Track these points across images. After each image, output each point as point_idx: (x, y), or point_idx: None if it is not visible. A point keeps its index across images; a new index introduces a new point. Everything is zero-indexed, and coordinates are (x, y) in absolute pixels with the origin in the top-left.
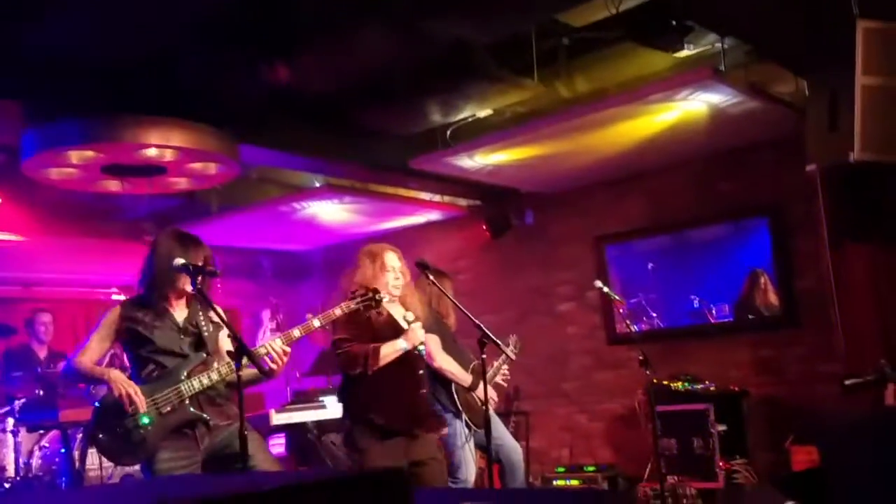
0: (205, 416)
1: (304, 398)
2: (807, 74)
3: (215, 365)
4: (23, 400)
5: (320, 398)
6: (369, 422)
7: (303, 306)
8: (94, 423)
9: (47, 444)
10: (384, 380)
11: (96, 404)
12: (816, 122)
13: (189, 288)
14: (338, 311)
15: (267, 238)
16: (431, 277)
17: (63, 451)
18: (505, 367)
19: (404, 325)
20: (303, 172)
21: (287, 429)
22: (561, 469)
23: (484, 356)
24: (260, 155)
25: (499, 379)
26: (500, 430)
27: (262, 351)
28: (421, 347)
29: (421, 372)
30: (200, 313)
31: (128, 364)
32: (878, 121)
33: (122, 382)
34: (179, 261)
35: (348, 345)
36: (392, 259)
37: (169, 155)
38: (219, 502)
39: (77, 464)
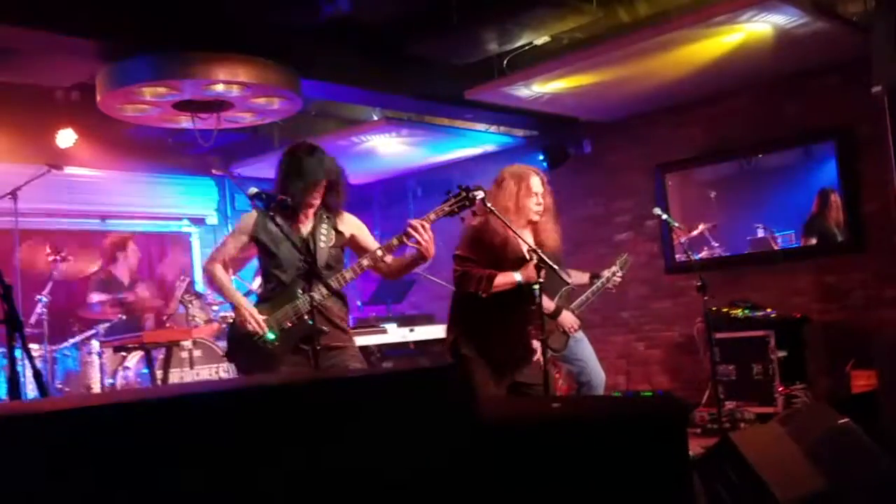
0: (324, 328)
1: (366, 324)
2: None
3: (338, 274)
4: (107, 324)
5: (382, 325)
6: (472, 332)
7: None
8: (229, 342)
9: (130, 366)
10: (493, 306)
11: (229, 324)
12: (882, 41)
13: (315, 201)
14: (432, 216)
15: None
16: (490, 205)
17: (146, 370)
18: (613, 280)
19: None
20: (361, 106)
21: None
22: (617, 394)
23: (541, 280)
24: (319, 89)
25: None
26: (586, 353)
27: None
28: (535, 286)
29: (532, 307)
30: (324, 224)
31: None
32: None
33: (243, 310)
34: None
35: (469, 265)
36: (536, 184)
37: (236, 90)
38: (266, 394)
39: (159, 382)
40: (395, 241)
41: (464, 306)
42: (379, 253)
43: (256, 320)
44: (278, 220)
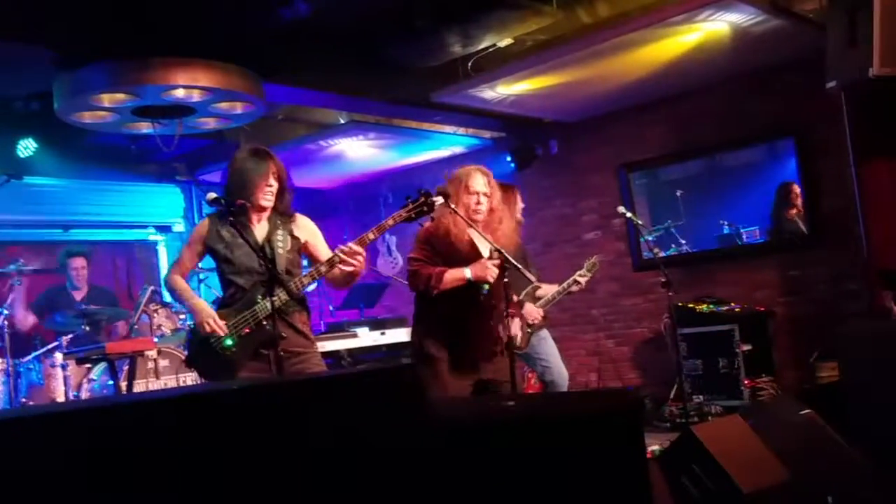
0: (283, 334)
1: (338, 329)
2: None
3: (298, 278)
4: (70, 335)
5: (352, 329)
6: (435, 339)
7: (331, 243)
8: (188, 348)
9: (95, 377)
10: (452, 304)
11: (189, 330)
12: (836, 37)
13: (265, 203)
14: (390, 222)
15: (295, 176)
16: (453, 206)
17: (111, 382)
18: (579, 282)
19: (485, 253)
20: (328, 110)
21: (322, 357)
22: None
23: (506, 280)
24: (284, 93)
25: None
26: (549, 352)
27: (335, 259)
28: (485, 286)
29: (484, 302)
30: (280, 230)
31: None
32: None
33: (202, 312)
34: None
35: (418, 264)
36: (477, 183)
37: (196, 95)
38: (228, 395)
39: (124, 394)
40: (328, 265)
41: (425, 306)
42: (322, 269)
43: (214, 321)
44: (232, 225)
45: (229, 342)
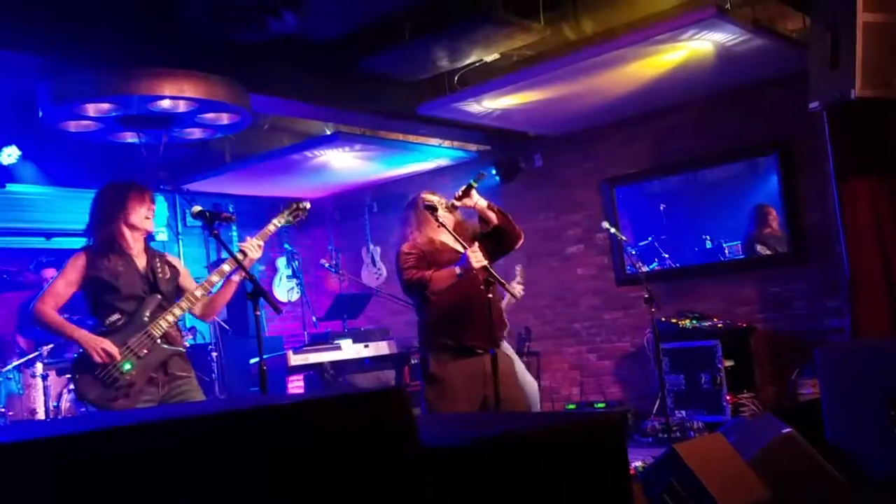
0: (180, 348)
1: (321, 340)
2: (810, 11)
3: (176, 303)
4: (51, 345)
5: (336, 340)
6: (441, 345)
7: (317, 253)
8: (78, 380)
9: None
10: (451, 303)
11: (73, 364)
12: (819, 59)
13: (147, 226)
14: (271, 227)
15: (280, 186)
16: (440, 220)
17: None
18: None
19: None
20: (314, 121)
21: (305, 369)
22: (571, 406)
23: (490, 296)
24: (271, 104)
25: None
26: (516, 365)
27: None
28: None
29: (487, 295)
30: (157, 259)
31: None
32: (879, 58)
33: (91, 341)
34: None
35: (410, 271)
36: (430, 197)
37: (182, 106)
38: (220, 418)
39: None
40: (218, 274)
41: (426, 325)
42: (198, 293)
43: (106, 350)
44: (111, 256)
45: (128, 366)
